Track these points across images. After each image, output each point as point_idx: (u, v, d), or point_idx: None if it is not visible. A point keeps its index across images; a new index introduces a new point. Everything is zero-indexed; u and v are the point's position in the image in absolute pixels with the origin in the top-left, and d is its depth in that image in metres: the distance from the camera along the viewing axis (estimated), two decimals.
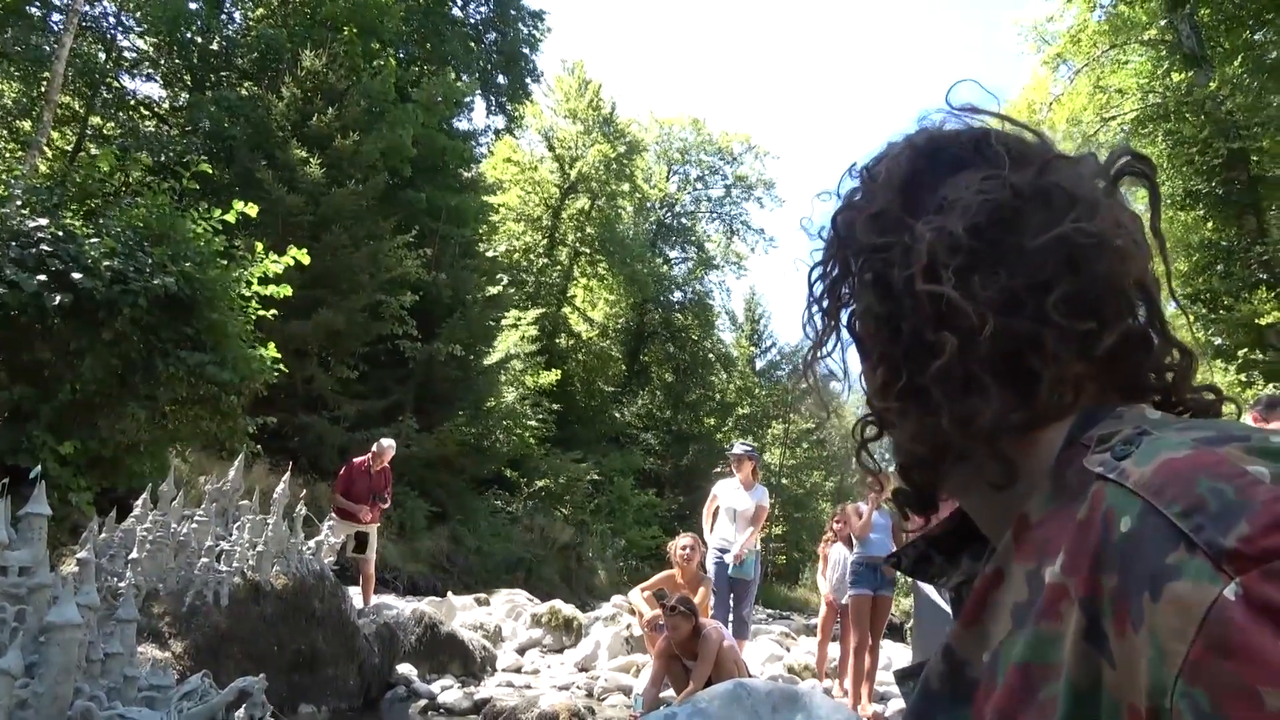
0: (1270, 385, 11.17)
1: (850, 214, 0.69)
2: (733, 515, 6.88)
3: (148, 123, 16.07)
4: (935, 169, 0.67)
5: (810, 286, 0.73)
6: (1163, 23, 16.25)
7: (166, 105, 16.91)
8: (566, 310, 29.73)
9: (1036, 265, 0.60)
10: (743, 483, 6.97)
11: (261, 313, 8.40)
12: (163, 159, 14.42)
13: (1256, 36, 16.35)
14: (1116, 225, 0.61)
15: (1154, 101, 15.41)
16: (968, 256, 0.60)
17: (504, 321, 19.50)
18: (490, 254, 21.13)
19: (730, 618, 6.89)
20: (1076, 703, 0.47)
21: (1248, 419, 4.89)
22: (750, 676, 5.62)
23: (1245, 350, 13.60)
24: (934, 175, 0.66)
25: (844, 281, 0.70)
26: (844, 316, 0.72)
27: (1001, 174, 0.63)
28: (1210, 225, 15.71)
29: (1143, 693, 0.43)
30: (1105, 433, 0.54)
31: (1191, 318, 15.89)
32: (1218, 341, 15.01)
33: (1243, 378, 12.80)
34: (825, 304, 0.72)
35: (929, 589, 5.60)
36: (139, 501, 4.77)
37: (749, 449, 7.17)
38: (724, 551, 6.85)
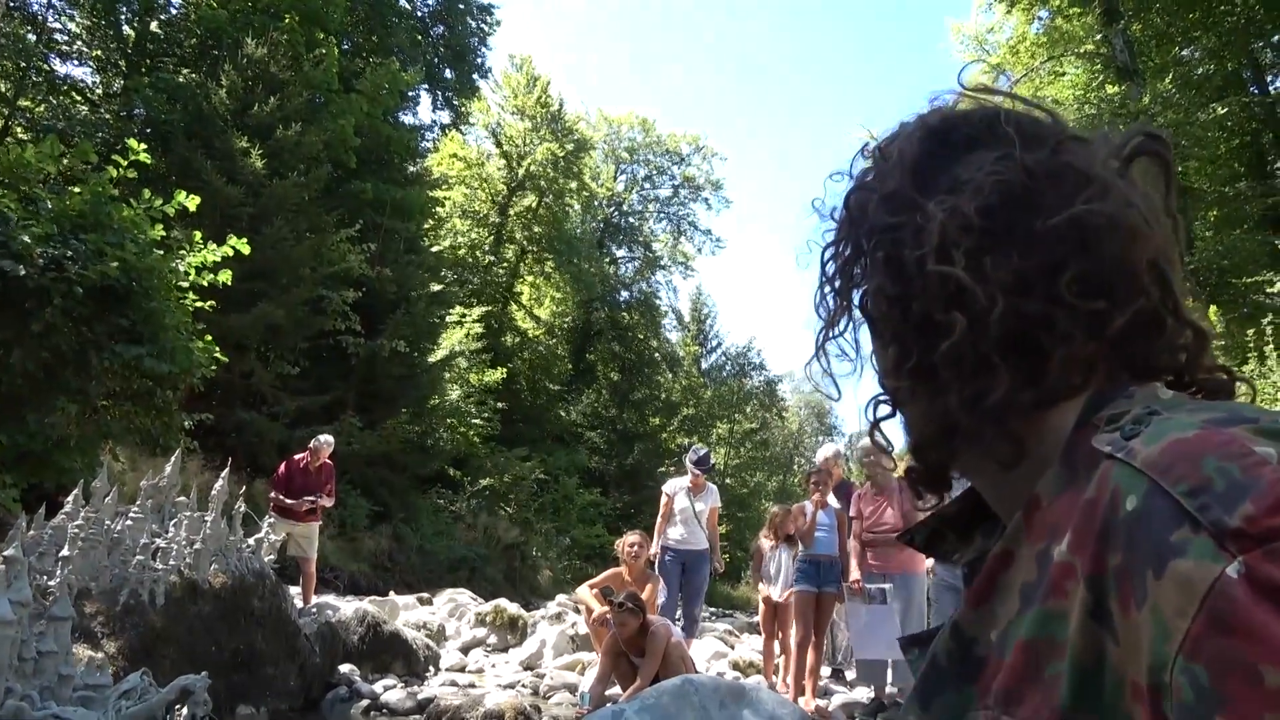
0: None
1: (863, 194, 0.70)
2: (687, 517, 7.02)
3: (80, 108, 15.52)
4: (948, 148, 0.67)
5: (823, 267, 0.74)
6: (1098, 37, 16.78)
7: (100, 91, 16.35)
8: (513, 308, 29.54)
9: (1048, 246, 0.60)
10: (694, 485, 7.09)
11: (200, 304, 8.17)
12: (98, 147, 13.97)
13: (1185, 53, 16.98)
14: (1128, 205, 0.61)
15: (1089, 113, 15.87)
16: (979, 237, 0.61)
17: (449, 318, 19.30)
18: (436, 250, 20.89)
19: (679, 615, 6.96)
20: (1081, 679, 0.47)
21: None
22: (697, 673, 5.65)
23: None
24: (946, 155, 0.66)
25: (856, 262, 0.70)
26: (855, 297, 0.71)
27: (1014, 154, 0.63)
28: None
29: (1144, 669, 0.43)
30: (1115, 412, 0.55)
31: None
32: None
33: None
34: (838, 284, 0.72)
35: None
36: (70, 498, 4.61)
37: (706, 465, 7.24)
38: (677, 552, 6.96)
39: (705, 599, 7.42)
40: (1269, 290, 11.94)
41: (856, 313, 0.72)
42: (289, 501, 7.56)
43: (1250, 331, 11.11)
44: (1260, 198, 15.58)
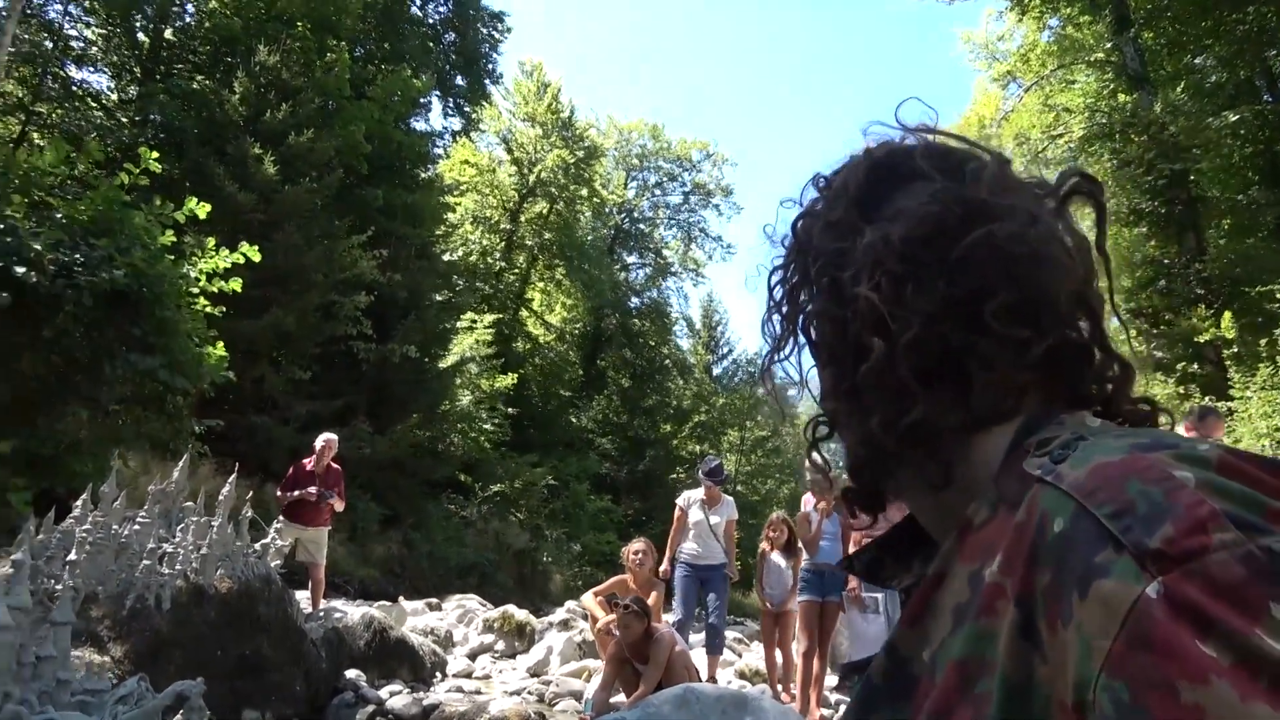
0: (1207, 397, 11.52)
1: (810, 221, 0.72)
2: (702, 530, 6.87)
3: (95, 113, 15.68)
4: (891, 180, 0.69)
5: (770, 291, 0.75)
6: (1109, 45, 16.72)
7: (115, 97, 16.51)
8: (524, 314, 29.60)
9: (974, 274, 0.61)
10: (709, 498, 6.94)
11: (210, 310, 8.24)
12: (111, 150, 14.10)
13: (1197, 61, 16.89)
14: (1053, 239, 0.64)
15: (1100, 121, 15.82)
16: (903, 264, 0.63)
17: (460, 324, 19.35)
18: (447, 256, 20.96)
19: (696, 625, 6.87)
20: (1010, 696, 0.48)
21: (1181, 429, 5.05)
22: (701, 681, 5.64)
23: (1184, 364, 14.02)
24: (889, 186, 0.69)
25: (802, 287, 0.72)
26: (800, 321, 0.73)
27: (950, 186, 0.65)
28: (1153, 243, 16.17)
29: (1069, 686, 0.44)
30: (1045, 438, 0.56)
31: (1134, 332, 16.37)
32: (1158, 355, 15.44)
33: (1181, 390, 13.19)
34: (784, 309, 0.74)
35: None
36: (79, 502, 4.64)
37: (718, 477, 7.05)
38: (692, 566, 6.83)
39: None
40: None
41: (801, 337, 0.74)
42: (294, 494, 7.48)
43: (1263, 341, 11.02)
44: (1274, 205, 15.47)
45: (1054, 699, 0.46)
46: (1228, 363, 12.42)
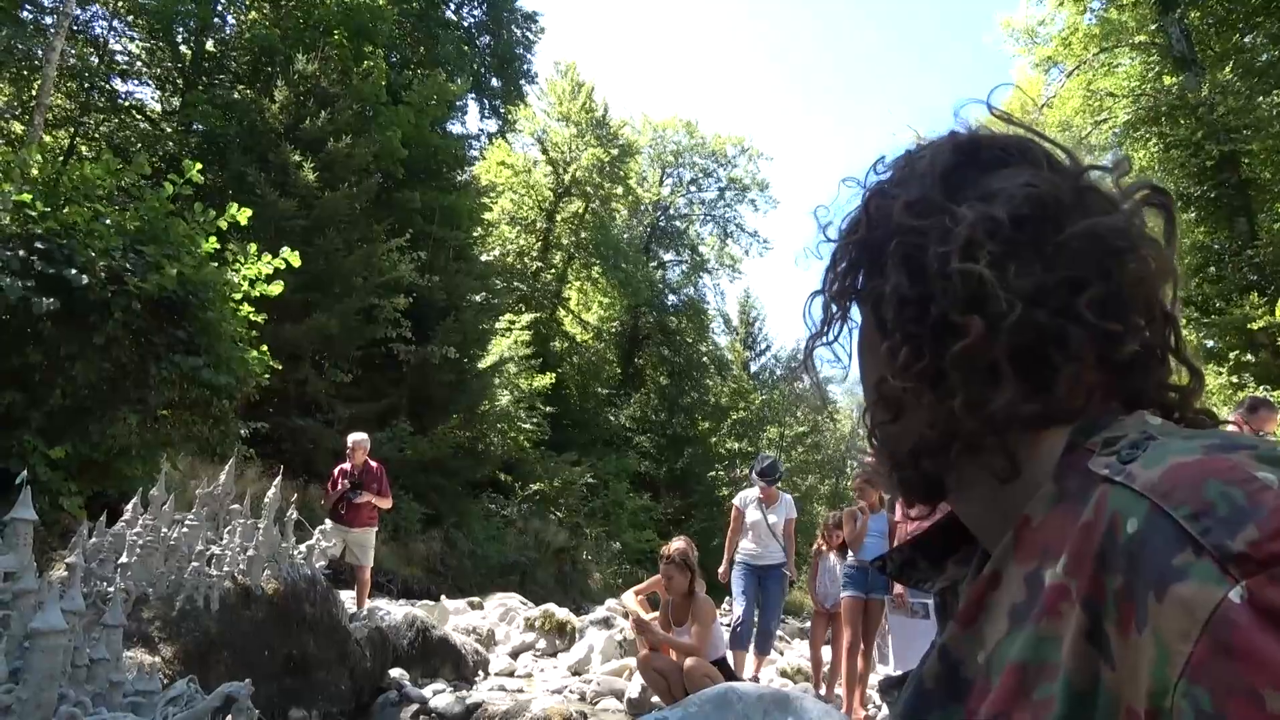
0: (1261, 388, 11.21)
1: (885, 200, 0.69)
2: (760, 531, 6.79)
3: (141, 124, 16.06)
4: (978, 164, 0.67)
5: (827, 271, 0.73)
6: (1153, 27, 16.35)
7: (159, 108, 16.89)
8: (561, 313, 29.73)
9: (1071, 262, 0.60)
10: (765, 497, 6.86)
11: (253, 315, 8.38)
12: (156, 161, 14.42)
13: (1246, 40, 16.44)
14: (1146, 239, 0.63)
15: (1145, 105, 15.46)
16: (1006, 243, 0.61)
17: (498, 325, 19.50)
18: (484, 257, 21.13)
19: (755, 630, 6.81)
20: (1073, 703, 0.47)
21: (1231, 421, 4.93)
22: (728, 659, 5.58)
23: (1236, 353, 13.67)
24: (977, 169, 0.67)
25: (866, 266, 0.70)
26: (860, 301, 0.72)
27: (1044, 173, 0.64)
28: (1202, 228, 15.80)
29: (1143, 694, 0.43)
30: (1110, 436, 0.55)
31: (1184, 321, 16.01)
32: (1210, 344, 15.08)
33: (1234, 380, 12.86)
34: (835, 289, 0.72)
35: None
36: (129, 506, 4.75)
37: (772, 476, 6.89)
38: (749, 566, 6.76)
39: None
40: None
41: (852, 318, 0.72)
42: (340, 487, 7.65)
43: None
44: None
45: (1121, 707, 0.45)
46: None
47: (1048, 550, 0.53)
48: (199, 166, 8.02)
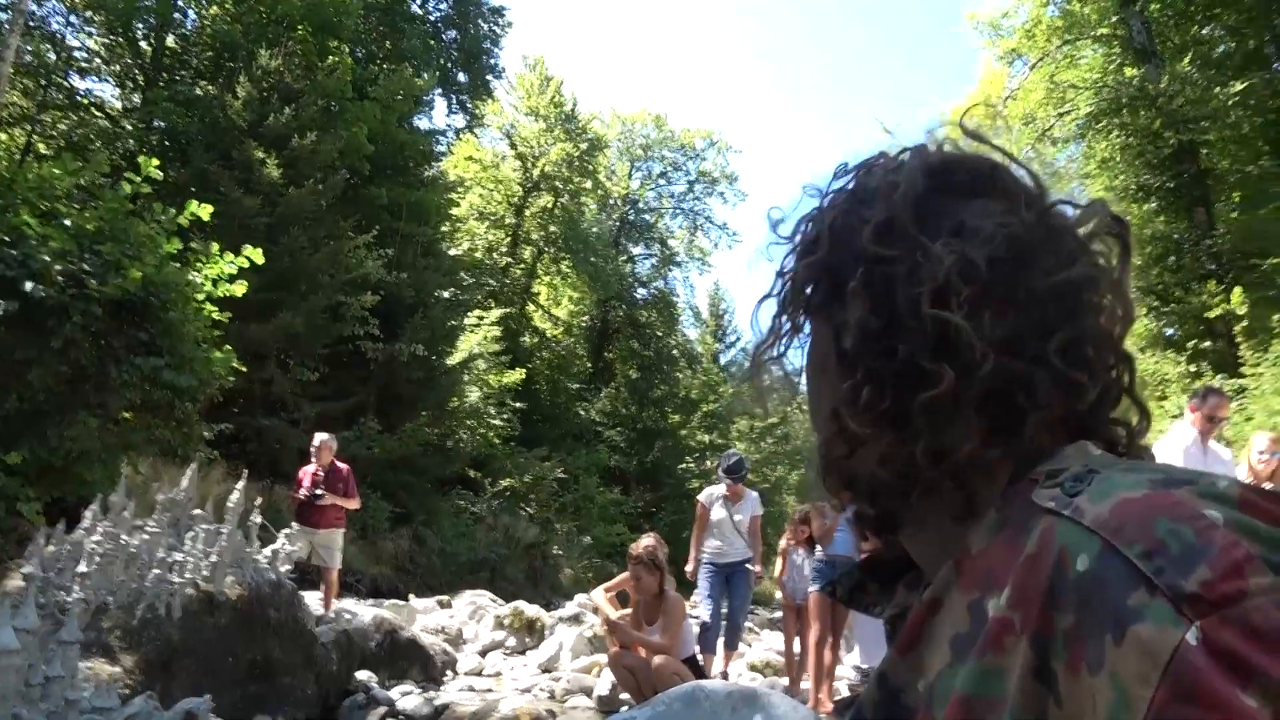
0: (1218, 375, 11.44)
1: (851, 219, 0.66)
2: (725, 528, 6.74)
3: (100, 122, 15.75)
4: (950, 190, 0.65)
5: (779, 281, 0.71)
6: (1114, 19, 16.59)
7: (119, 105, 16.57)
8: (530, 309, 29.63)
9: (1042, 308, 0.59)
10: (730, 494, 6.80)
11: (217, 315, 8.27)
12: (116, 159, 14.15)
13: (1205, 31, 16.72)
14: (1109, 284, 0.63)
15: (1107, 96, 15.69)
16: (982, 289, 0.59)
17: (467, 321, 19.39)
18: (453, 252, 20.99)
19: (723, 625, 6.81)
20: None
21: (1186, 409, 5.05)
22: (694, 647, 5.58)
23: (1195, 341, 13.94)
24: (948, 196, 0.64)
25: (826, 286, 0.67)
26: (807, 321, 0.70)
27: (1019, 209, 0.62)
28: (1162, 218, 16.07)
29: None
30: (1053, 469, 0.55)
31: (1144, 309, 16.29)
32: (1169, 332, 15.37)
33: (1193, 368, 13.11)
34: (792, 304, 0.70)
35: None
36: (88, 512, 4.69)
37: (737, 473, 6.80)
38: (715, 565, 6.71)
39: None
40: None
41: (805, 334, 0.71)
42: (301, 495, 7.55)
43: (1276, 316, 10.93)
44: None
45: None
46: (1239, 339, 12.34)
47: (990, 579, 0.53)
48: (156, 163, 7.89)
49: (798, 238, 0.70)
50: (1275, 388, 10.14)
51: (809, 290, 0.68)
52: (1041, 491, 0.53)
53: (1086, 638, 0.44)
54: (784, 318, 0.70)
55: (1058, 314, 0.59)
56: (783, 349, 0.71)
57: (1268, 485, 4.87)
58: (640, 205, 37.37)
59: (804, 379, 0.73)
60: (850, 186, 0.68)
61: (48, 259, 6.48)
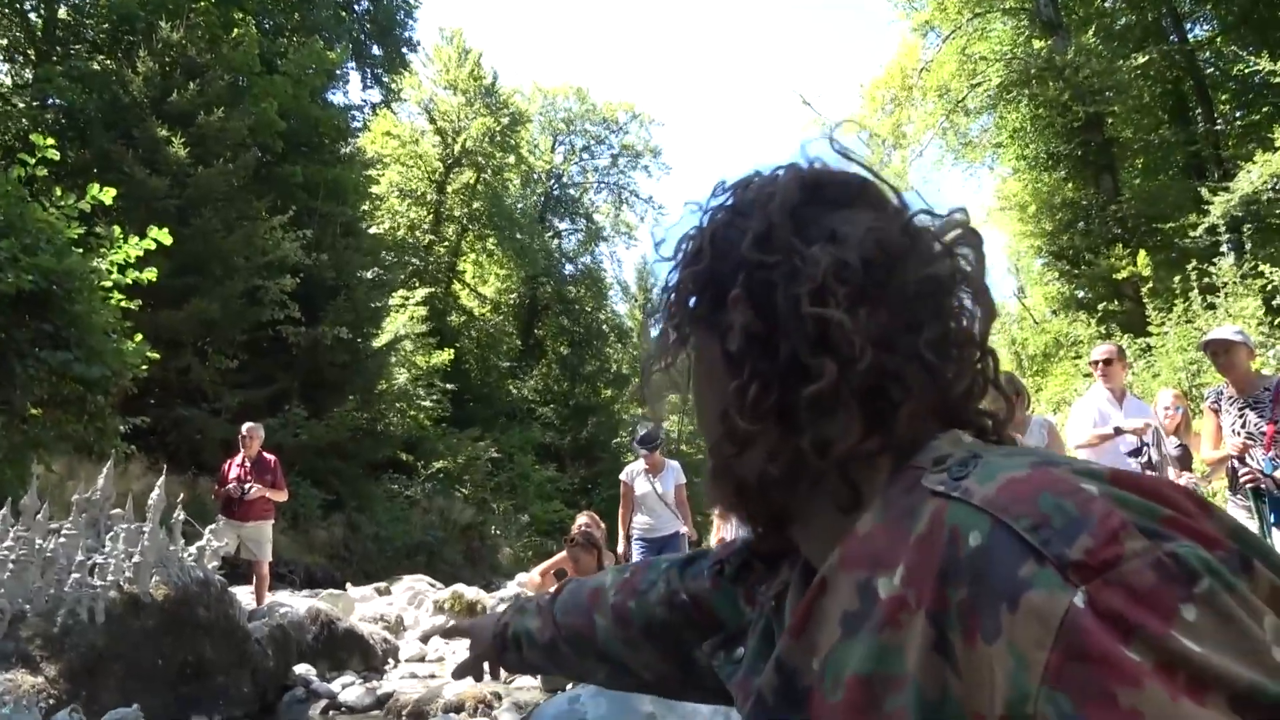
0: (1126, 335, 11.91)
1: (732, 230, 0.69)
2: (651, 502, 6.63)
3: None
4: (823, 201, 0.68)
5: (665, 293, 0.74)
6: None
7: (9, 82, 15.62)
8: (456, 287, 29.19)
9: (911, 304, 0.63)
10: (651, 466, 6.67)
11: (126, 303, 7.91)
12: (7, 139, 13.37)
13: (1107, 4, 17.26)
14: (970, 280, 0.67)
15: (1016, 68, 16.10)
16: (857, 288, 0.62)
17: (391, 301, 18.99)
18: (373, 232, 20.49)
19: None
20: (925, 712, 0.49)
21: (1096, 374, 5.25)
22: None
23: (1104, 303, 14.50)
24: (822, 206, 0.68)
25: (710, 296, 0.69)
26: (693, 332, 0.72)
27: (888, 216, 0.67)
28: (1071, 185, 16.62)
29: (999, 702, 0.45)
30: (939, 455, 0.59)
31: (1057, 274, 16.89)
32: (1080, 295, 15.95)
33: (1102, 329, 13.64)
34: (678, 316, 0.72)
35: None
36: None
37: (652, 443, 6.68)
38: (647, 541, 6.60)
39: None
40: (1192, 234, 12.26)
41: (690, 344, 0.73)
42: (228, 488, 7.26)
43: (1177, 277, 11.42)
44: (1183, 145, 15.98)
45: (968, 714, 0.48)
46: (1145, 299, 12.86)
47: (878, 560, 0.55)
48: (51, 142, 7.47)
49: (681, 253, 0.73)
50: (1179, 345, 10.61)
51: (693, 301, 0.71)
52: (930, 476, 0.56)
53: (981, 609, 0.47)
54: (671, 330, 0.73)
55: (926, 311, 0.64)
56: (670, 360, 0.74)
57: (1172, 439, 5.11)
58: (564, 180, 37.08)
59: (693, 389, 0.75)
60: (729, 202, 0.72)
61: None
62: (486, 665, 1.21)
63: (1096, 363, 5.21)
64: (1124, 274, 13.95)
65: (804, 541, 0.71)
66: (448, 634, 1.44)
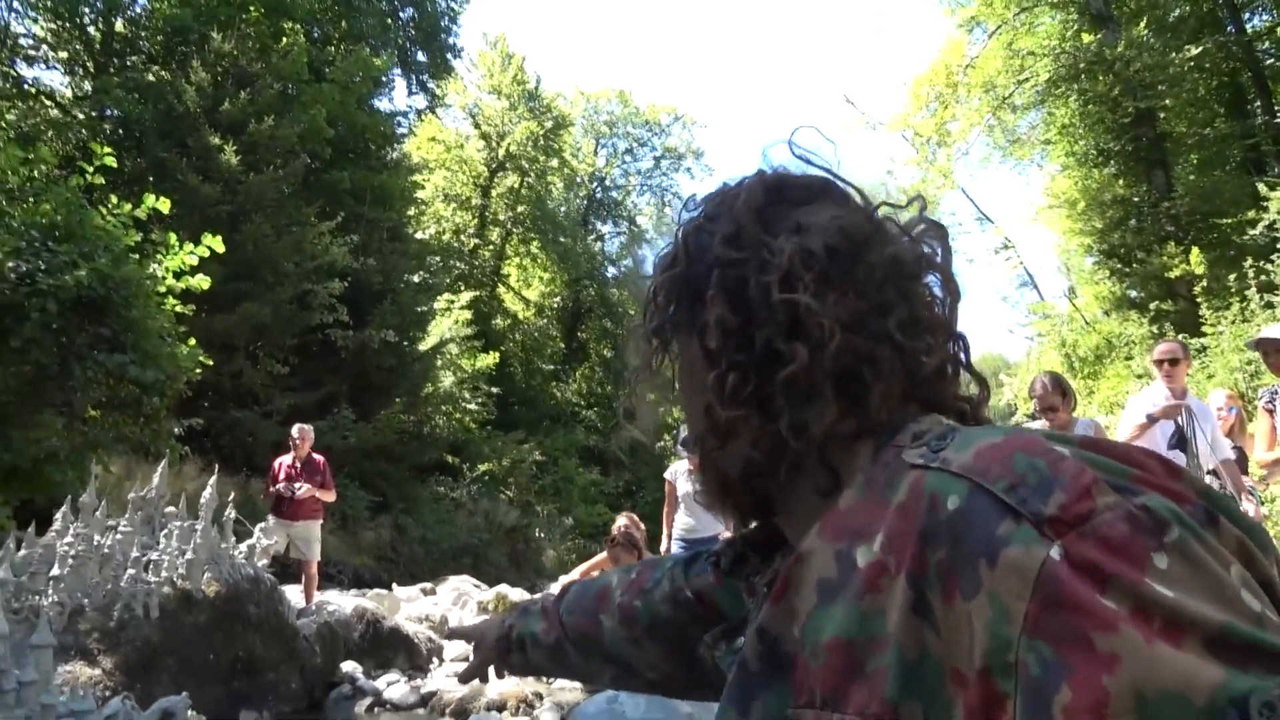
0: (1181, 335, 11.59)
1: (704, 234, 0.73)
2: (693, 503, 6.59)
3: (51, 111, 15.33)
4: (787, 200, 0.72)
5: (647, 305, 0.77)
6: None
7: (70, 94, 16.13)
8: (501, 291, 29.41)
9: (879, 288, 0.66)
10: (695, 467, 6.63)
11: (180, 308, 8.12)
12: (67, 149, 13.79)
13: None
14: (935, 266, 0.71)
15: (1065, 63, 15.77)
16: (822, 273, 0.65)
17: (437, 305, 19.20)
18: (419, 236, 20.75)
19: None
20: (905, 671, 0.51)
21: (1157, 375, 5.07)
22: None
23: (1157, 302, 14.12)
24: (786, 205, 0.71)
25: (688, 298, 0.73)
26: (674, 338, 0.76)
27: (852, 209, 0.71)
28: (1122, 182, 16.21)
29: (978, 653, 0.47)
30: (917, 430, 0.62)
31: (1108, 272, 16.50)
32: (1132, 294, 15.56)
33: (1155, 329, 13.29)
34: (658, 323, 0.76)
35: None
36: (59, 514, 4.59)
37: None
38: (688, 542, 6.47)
39: None
40: (1251, 232, 11.89)
41: (673, 350, 0.76)
42: (280, 488, 7.38)
43: (1233, 276, 11.08)
44: (1240, 139, 15.51)
45: (947, 670, 0.50)
46: (1199, 298, 12.51)
47: (858, 532, 0.58)
48: (109, 151, 7.69)
49: (659, 265, 0.77)
50: (1235, 346, 10.29)
51: (673, 309, 0.74)
52: (910, 451, 0.59)
53: (959, 568, 0.49)
54: (654, 340, 0.77)
55: (894, 294, 0.66)
56: (655, 369, 0.78)
57: (1226, 440, 4.93)
58: (607, 183, 37.13)
59: (680, 393, 0.78)
60: (700, 212, 0.76)
61: (0, 255, 6.32)
62: (491, 668, 1.22)
63: (1161, 362, 4.97)
64: (1177, 272, 13.57)
65: (789, 528, 0.73)
66: (451, 635, 1.45)
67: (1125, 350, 14.07)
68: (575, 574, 6.18)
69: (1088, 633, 0.43)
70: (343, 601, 7.09)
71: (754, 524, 0.79)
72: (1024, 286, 20.44)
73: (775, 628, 0.61)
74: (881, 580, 0.54)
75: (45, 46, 15.74)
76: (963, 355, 0.71)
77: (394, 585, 10.36)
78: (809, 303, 0.64)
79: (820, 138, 0.77)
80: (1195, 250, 13.38)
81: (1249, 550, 0.49)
